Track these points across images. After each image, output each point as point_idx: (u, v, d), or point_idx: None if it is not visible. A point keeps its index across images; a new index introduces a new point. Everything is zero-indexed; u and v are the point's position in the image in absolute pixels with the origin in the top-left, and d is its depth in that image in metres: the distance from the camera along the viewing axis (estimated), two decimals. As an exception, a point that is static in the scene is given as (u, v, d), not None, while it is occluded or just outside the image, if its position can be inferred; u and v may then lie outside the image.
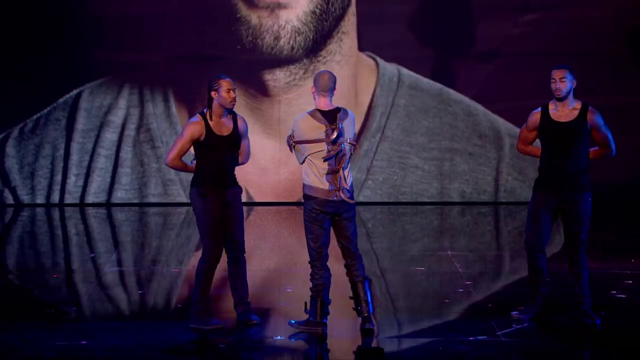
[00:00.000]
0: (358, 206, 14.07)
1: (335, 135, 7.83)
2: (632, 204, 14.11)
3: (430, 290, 9.83)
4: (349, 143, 7.89)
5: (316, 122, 7.85)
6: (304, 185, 7.98)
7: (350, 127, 7.95)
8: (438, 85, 14.28)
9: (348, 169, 7.95)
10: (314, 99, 7.96)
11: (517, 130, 14.03)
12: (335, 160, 7.86)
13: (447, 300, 9.25)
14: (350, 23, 14.15)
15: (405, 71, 14.29)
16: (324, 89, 7.90)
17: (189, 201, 8.48)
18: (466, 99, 14.16)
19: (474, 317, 8.64)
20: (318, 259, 8.04)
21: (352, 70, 14.19)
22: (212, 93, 8.02)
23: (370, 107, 14.22)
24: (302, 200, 8.10)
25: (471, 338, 7.91)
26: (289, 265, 10.68)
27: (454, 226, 13.40)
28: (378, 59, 14.28)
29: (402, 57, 14.28)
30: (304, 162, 7.94)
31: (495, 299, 9.20)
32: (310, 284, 8.05)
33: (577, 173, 8.16)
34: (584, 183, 8.20)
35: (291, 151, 8.01)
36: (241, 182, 8.28)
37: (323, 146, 7.83)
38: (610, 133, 8.19)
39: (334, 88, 7.95)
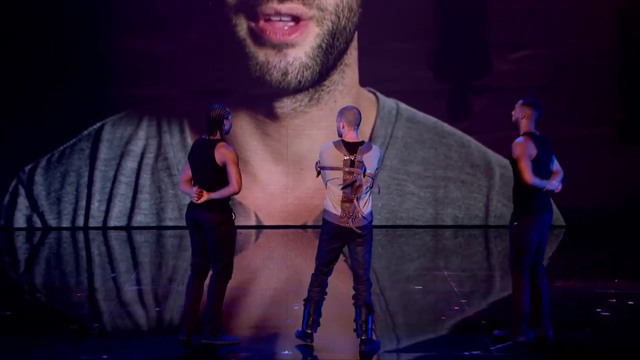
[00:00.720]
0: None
1: (351, 164, 7.79)
2: (614, 228, 14.07)
3: (426, 308, 9.79)
4: (366, 175, 7.82)
5: (338, 151, 7.82)
6: (324, 209, 7.97)
7: (372, 160, 7.87)
8: (433, 119, 14.29)
9: (365, 199, 7.88)
10: (339, 131, 7.92)
11: (506, 160, 14.10)
12: (352, 190, 7.81)
13: (443, 317, 9.22)
14: (352, 56, 14.17)
15: (403, 105, 14.30)
16: (351, 122, 7.87)
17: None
18: (459, 132, 14.17)
19: (468, 333, 8.60)
20: (318, 275, 8.06)
21: (354, 100, 14.12)
22: (226, 121, 8.03)
23: (370, 138, 14.17)
24: (308, 224, 8.14)
25: (466, 353, 7.91)
26: (295, 284, 10.62)
27: (448, 248, 13.38)
28: (378, 93, 14.30)
29: (400, 91, 14.28)
30: (326, 185, 7.93)
31: (488, 316, 9.15)
32: (306, 295, 8.08)
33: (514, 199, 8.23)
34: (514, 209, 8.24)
35: (317, 176, 7.98)
36: (250, 207, 8.28)
37: (341, 174, 7.80)
38: (521, 163, 8.02)
39: (359, 122, 7.92)
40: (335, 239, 7.93)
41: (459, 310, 9.41)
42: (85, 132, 14.29)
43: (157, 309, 9.82)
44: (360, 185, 7.79)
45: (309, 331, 8.01)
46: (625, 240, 13.51)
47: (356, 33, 14.18)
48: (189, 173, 8.10)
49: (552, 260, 12.38)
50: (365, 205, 7.87)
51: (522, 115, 8.08)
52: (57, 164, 14.31)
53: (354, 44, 14.20)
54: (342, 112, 7.91)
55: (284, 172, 14.02)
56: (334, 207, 7.85)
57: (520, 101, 8.13)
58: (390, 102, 14.27)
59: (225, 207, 8.02)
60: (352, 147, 7.82)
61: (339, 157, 7.81)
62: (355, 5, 14.10)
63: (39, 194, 14.23)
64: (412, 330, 8.93)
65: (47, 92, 14.00)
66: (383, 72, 14.25)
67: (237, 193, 7.97)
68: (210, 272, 8.16)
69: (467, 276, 11.11)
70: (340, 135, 7.91)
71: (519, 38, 14.29)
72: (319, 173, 7.91)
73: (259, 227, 13.81)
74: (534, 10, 14.23)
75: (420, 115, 14.29)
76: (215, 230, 7.97)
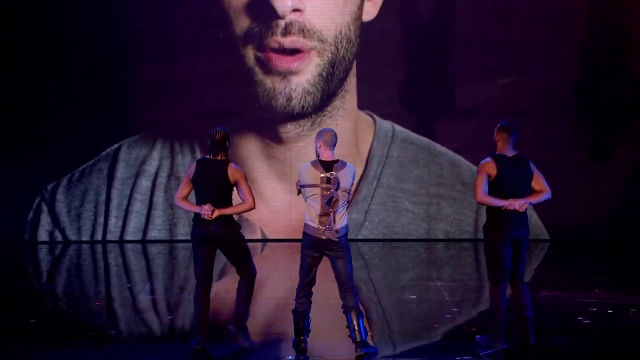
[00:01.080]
0: (358, 243, 14.22)
1: (327, 181, 7.85)
2: (594, 243, 14.05)
3: (420, 315, 9.79)
4: (342, 190, 7.88)
5: (315, 169, 7.88)
6: (304, 223, 8.00)
7: (346, 176, 7.94)
8: (426, 140, 14.28)
9: (342, 213, 7.93)
10: (317, 151, 7.99)
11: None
12: (329, 204, 7.85)
13: (436, 325, 9.22)
14: (351, 83, 14.15)
15: (398, 127, 14.29)
16: (327, 143, 7.95)
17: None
18: (450, 152, 14.16)
19: (459, 340, 8.60)
20: (301, 287, 8.07)
21: (353, 124, 14.16)
22: (228, 143, 8.09)
23: (368, 158, 14.18)
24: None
25: (457, 358, 7.90)
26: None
27: (440, 260, 13.37)
28: (375, 116, 14.29)
29: (395, 114, 14.28)
30: (306, 201, 7.97)
31: (477, 323, 9.12)
32: (293, 306, 8.11)
33: None
34: None
35: (297, 194, 8.03)
36: (256, 223, 8.28)
37: (319, 190, 7.85)
38: (475, 181, 8.09)
39: (335, 143, 7.99)
40: (313, 250, 7.96)
41: (451, 318, 9.43)
42: (104, 153, 14.27)
43: (170, 317, 9.83)
44: (336, 200, 7.85)
45: (302, 337, 8.02)
46: (604, 253, 13.51)
47: (355, 62, 14.17)
48: (187, 191, 8.08)
49: (537, 272, 12.46)
50: (341, 218, 7.93)
51: (497, 138, 8.11)
52: (77, 182, 14.28)
53: (353, 71, 14.19)
54: (319, 134, 7.99)
55: (287, 191, 13.99)
56: (312, 221, 7.91)
57: (498, 125, 8.16)
58: (386, 124, 14.26)
59: (234, 220, 8.13)
60: (328, 165, 7.89)
61: (316, 175, 7.87)
62: (353, 37, 14.08)
63: (60, 210, 14.20)
64: (407, 336, 8.94)
65: (68, 116, 14.01)
66: (380, 97, 14.25)
67: (253, 209, 8.06)
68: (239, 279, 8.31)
69: (458, 286, 11.11)
70: (317, 155, 7.98)
71: (505, 66, 14.28)
72: (299, 191, 7.97)
73: (265, 241, 13.83)
74: (519, 41, 14.22)
75: (414, 136, 14.29)
76: (235, 241, 8.09)
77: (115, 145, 14.29)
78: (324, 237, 7.89)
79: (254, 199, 8.02)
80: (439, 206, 14.11)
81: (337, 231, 7.91)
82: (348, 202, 7.98)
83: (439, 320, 9.39)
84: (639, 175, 14.23)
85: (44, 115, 14.00)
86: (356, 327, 7.93)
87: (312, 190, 7.88)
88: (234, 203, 8.08)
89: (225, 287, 8.54)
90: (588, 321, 9.21)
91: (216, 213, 7.89)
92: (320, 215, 7.86)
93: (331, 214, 7.86)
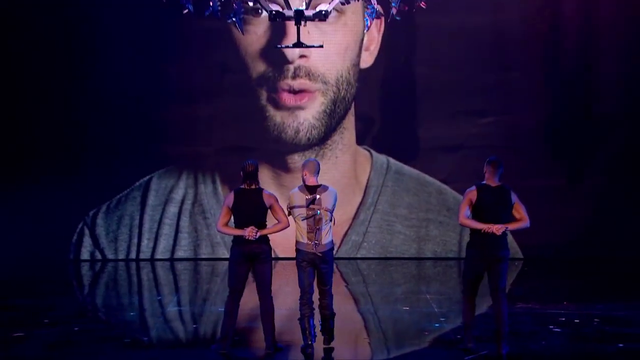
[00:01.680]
0: (357, 260, 14.19)
1: (312, 202, 8.01)
2: (564, 261, 13.95)
3: (412, 324, 9.75)
4: (324, 210, 8.01)
5: (302, 193, 8.05)
6: (295, 240, 8.14)
7: (328, 198, 8.08)
8: (416, 171, 14.23)
9: (326, 230, 8.04)
10: (303, 178, 8.13)
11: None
12: (314, 222, 7.99)
13: (426, 333, 9.23)
14: (350, 121, 14.11)
15: (392, 160, 14.27)
16: (311, 171, 8.11)
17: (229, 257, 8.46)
18: (437, 182, 14.08)
19: (446, 346, 8.58)
20: (302, 296, 8.19)
21: (352, 157, 14.11)
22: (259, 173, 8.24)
23: (366, 187, 14.14)
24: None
25: None
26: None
27: (429, 276, 13.29)
28: (372, 150, 14.27)
29: (390, 149, 14.27)
30: (295, 221, 8.11)
31: (462, 332, 9.07)
32: (299, 314, 8.19)
33: None
34: None
35: (288, 215, 8.14)
36: (270, 243, 8.29)
37: (304, 210, 8.00)
38: (460, 206, 8.18)
39: (318, 171, 8.14)
40: (306, 262, 8.10)
41: (439, 327, 9.41)
42: (137, 183, 14.27)
43: (194, 325, 9.81)
44: (320, 219, 7.99)
45: (309, 342, 8.09)
46: (571, 270, 13.36)
47: (353, 103, 14.17)
48: (227, 218, 8.11)
49: (513, 286, 12.35)
50: (326, 235, 8.05)
51: (485, 170, 8.16)
52: (114, 209, 14.29)
53: (352, 111, 14.15)
54: (304, 164, 8.17)
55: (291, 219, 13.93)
56: (302, 237, 8.06)
57: (487, 159, 8.20)
58: (382, 158, 14.26)
59: (269, 240, 8.19)
60: (312, 189, 8.05)
61: (302, 198, 8.03)
62: (352, 80, 14.06)
63: (100, 233, 14.20)
64: (400, 343, 8.92)
65: (106, 151, 14.02)
66: (377, 134, 14.28)
67: (288, 227, 8.14)
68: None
69: (445, 299, 11.05)
70: (304, 181, 8.11)
71: (484, 108, 14.27)
72: (289, 213, 8.09)
73: (276, 259, 13.80)
74: (495, 85, 14.22)
75: (406, 168, 14.27)
76: (268, 260, 8.14)
77: (147, 177, 14.28)
78: (312, 251, 8.03)
79: (288, 219, 8.12)
80: (427, 229, 14.08)
81: (324, 245, 8.05)
82: (331, 220, 8.07)
83: (428, 328, 9.39)
84: (601, 202, 14.19)
85: (86, 150, 13.99)
86: (329, 329, 8.21)
87: (299, 210, 8.02)
88: (268, 224, 8.16)
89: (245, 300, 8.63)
90: (558, 329, 9.22)
91: (258, 234, 7.99)
92: (308, 232, 8.01)
93: (316, 231, 8.00)
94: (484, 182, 8.12)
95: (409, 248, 14.25)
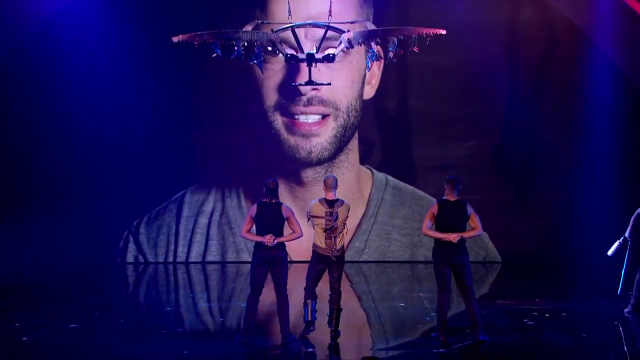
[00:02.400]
0: (360, 264, 14.16)
1: (330, 215, 8.05)
2: (535, 264, 13.82)
3: (407, 318, 9.76)
4: (340, 222, 8.07)
5: (321, 205, 8.09)
6: (313, 243, 8.18)
7: (344, 212, 8.13)
8: (411, 187, 14.17)
9: (340, 237, 8.09)
10: (324, 191, 8.19)
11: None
12: (331, 231, 8.04)
13: (419, 325, 9.23)
14: (354, 144, 14.03)
15: (390, 178, 14.20)
16: (329, 187, 8.16)
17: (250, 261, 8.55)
18: (429, 196, 13.96)
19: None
20: (308, 287, 8.23)
21: (356, 175, 14.05)
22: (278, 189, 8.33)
23: (368, 201, 14.09)
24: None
25: (434, 350, 7.92)
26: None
27: (421, 277, 13.17)
28: (373, 169, 14.24)
29: (388, 168, 14.26)
30: (314, 227, 8.16)
31: (451, 324, 9.01)
32: (303, 300, 8.25)
33: None
34: None
35: (308, 221, 8.20)
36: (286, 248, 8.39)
37: (323, 221, 8.05)
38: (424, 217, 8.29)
39: (336, 187, 8.18)
40: (320, 263, 8.15)
41: (430, 320, 9.37)
42: (173, 198, 14.23)
43: (221, 319, 9.80)
44: (336, 228, 8.04)
45: (310, 319, 8.15)
46: (543, 272, 13.24)
47: (357, 128, 14.16)
48: (250, 226, 8.18)
49: (492, 286, 12.33)
50: (340, 241, 8.10)
51: (445, 188, 8.22)
52: (154, 220, 14.27)
53: (356, 135, 14.12)
54: (324, 180, 8.24)
55: (308, 224, 13.92)
56: (320, 242, 8.11)
57: (446, 178, 8.29)
58: (381, 176, 14.20)
59: (285, 246, 8.25)
60: (330, 203, 8.09)
61: (322, 210, 8.08)
62: (358, 108, 14.00)
63: (142, 240, 14.17)
64: (397, 334, 8.91)
65: (147, 170, 13.92)
66: (377, 155, 14.28)
67: (301, 237, 8.21)
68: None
69: (435, 296, 10.57)
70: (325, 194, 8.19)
71: (468, 134, 14.24)
72: (309, 219, 8.16)
73: (291, 262, 13.78)
74: (477, 114, 14.21)
75: (402, 184, 14.21)
76: (284, 264, 8.18)
77: (182, 192, 14.24)
78: (327, 254, 8.07)
79: (302, 230, 8.18)
80: (420, 237, 13.81)
81: (337, 250, 8.09)
82: (344, 228, 8.13)
83: (421, 321, 9.40)
84: (561, 215, 14.08)
85: (131, 169, 13.88)
86: (336, 322, 8.13)
87: (318, 220, 8.08)
88: (284, 233, 8.23)
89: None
90: (531, 322, 9.21)
91: (276, 241, 8.06)
92: (326, 239, 8.06)
93: (332, 239, 8.04)
94: (445, 197, 8.16)
95: (404, 253, 14.20)
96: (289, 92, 13.70)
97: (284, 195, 13.55)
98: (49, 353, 7.88)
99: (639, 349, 8.23)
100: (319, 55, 9.36)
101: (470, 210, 8.13)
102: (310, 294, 8.20)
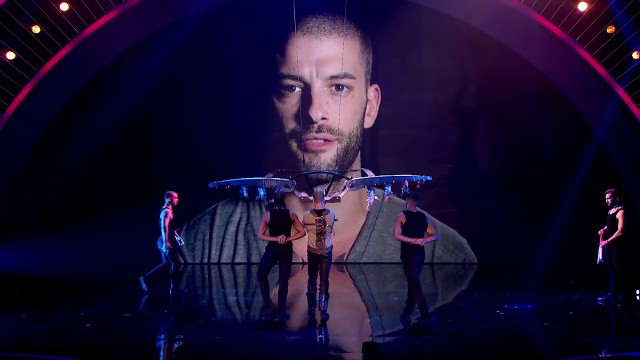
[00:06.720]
0: (360, 265, 14.17)
1: (319, 222, 8.36)
2: (507, 264, 13.84)
3: (400, 310, 9.47)
4: (327, 226, 8.36)
5: (312, 215, 8.40)
6: (307, 245, 8.49)
7: (329, 219, 8.41)
8: (403, 201, 14.10)
9: (328, 239, 8.39)
10: (313, 203, 8.46)
11: (445, 226, 14.18)
12: (320, 234, 8.36)
13: (411, 316, 9.13)
14: (357, 165, 14.05)
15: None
16: (317, 199, 8.49)
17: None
18: (419, 209, 14.11)
19: (427, 325, 8.47)
20: (310, 279, 8.64)
21: (358, 191, 13.96)
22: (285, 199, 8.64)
23: (368, 213, 14.14)
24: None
25: (424, 337, 7.93)
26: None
27: None
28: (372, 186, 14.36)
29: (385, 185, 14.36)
30: (307, 232, 8.45)
31: (439, 314, 9.11)
32: (306, 291, 8.68)
33: None
34: None
35: (304, 227, 8.45)
36: (298, 253, 8.64)
37: (314, 227, 8.37)
38: (394, 226, 8.37)
39: (323, 199, 8.48)
40: (313, 260, 8.47)
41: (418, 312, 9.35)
42: (207, 210, 14.32)
43: (247, 310, 9.79)
44: (324, 232, 8.34)
45: (313, 308, 8.59)
46: (513, 272, 13.17)
47: (359, 152, 14.21)
48: (265, 229, 8.53)
49: (470, 284, 12.26)
50: (328, 242, 8.41)
51: (406, 202, 8.52)
52: (191, 228, 14.36)
53: (358, 158, 14.17)
54: (313, 194, 8.53)
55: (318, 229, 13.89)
56: (312, 243, 8.43)
57: (408, 195, 8.55)
58: (379, 191, 14.32)
59: (292, 244, 8.50)
60: (319, 212, 8.40)
61: (312, 218, 8.41)
62: (359, 135, 14.09)
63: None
64: (393, 323, 8.83)
65: (186, 187, 13.87)
66: (376, 174, 14.32)
67: (304, 236, 8.50)
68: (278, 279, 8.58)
69: (426, 291, 10.86)
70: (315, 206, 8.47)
71: (450, 156, 14.33)
72: (304, 226, 8.44)
73: (302, 263, 13.79)
74: (454, 143, 14.29)
75: (396, 198, 13.79)
76: (289, 258, 8.47)
77: (214, 205, 14.32)
78: (318, 253, 8.40)
79: (304, 230, 8.48)
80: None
81: (326, 248, 8.41)
82: (331, 231, 8.41)
83: (414, 312, 9.20)
84: (527, 227, 14.06)
85: (172, 186, 14.08)
86: (323, 301, 8.36)
87: (310, 226, 8.39)
88: (291, 234, 8.55)
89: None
90: (502, 313, 9.19)
91: (286, 240, 8.38)
92: (316, 241, 8.38)
93: (322, 240, 8.34)
94: (407, 209, 8.39)
95: (397, 256, 13.98)
96: (304, 120, 13.78)
97: (298, 206, 13.66)
98: (106, 336, 7.96)
99: (592, 332, 8.22)
100: (327, 197, 9.71)
101: (428, 219, 8.47)
102: (309, 287, 8.66)
